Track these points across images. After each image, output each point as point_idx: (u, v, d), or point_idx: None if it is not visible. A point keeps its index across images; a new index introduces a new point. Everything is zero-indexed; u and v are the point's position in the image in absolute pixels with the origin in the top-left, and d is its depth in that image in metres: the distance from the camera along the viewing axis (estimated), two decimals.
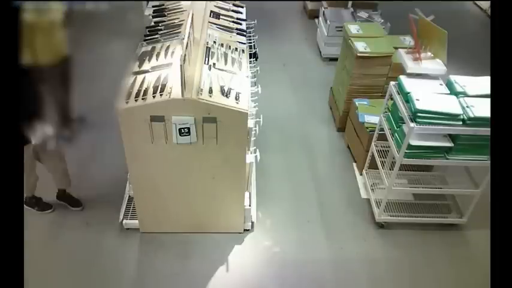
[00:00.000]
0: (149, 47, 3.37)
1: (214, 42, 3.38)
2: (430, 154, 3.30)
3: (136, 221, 3.50)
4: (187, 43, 2.85)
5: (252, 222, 3.63)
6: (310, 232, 3.72)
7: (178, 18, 3.70)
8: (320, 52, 6.20)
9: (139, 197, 3.34)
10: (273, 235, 3.65)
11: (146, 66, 3.16)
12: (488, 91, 3.10)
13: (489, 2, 7.25)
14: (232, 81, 3.07)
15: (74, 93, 3.26)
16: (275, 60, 5.98)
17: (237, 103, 2.89)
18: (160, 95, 2.80)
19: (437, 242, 3.69)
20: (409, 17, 3.54)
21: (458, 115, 3.09)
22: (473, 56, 5.74)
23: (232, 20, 3.84)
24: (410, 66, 3.49)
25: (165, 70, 3.06)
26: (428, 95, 3.22)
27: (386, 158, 3.76)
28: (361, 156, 4.21)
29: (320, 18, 6.28)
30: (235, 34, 3.64)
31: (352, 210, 3.92)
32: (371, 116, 4.10)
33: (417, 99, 3.13)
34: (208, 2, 3.92)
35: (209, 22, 3.63)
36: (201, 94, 2.83)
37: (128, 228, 3.56)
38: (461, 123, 3.11)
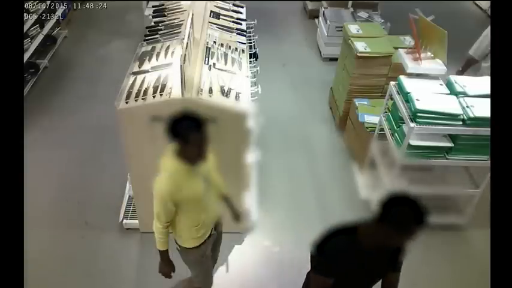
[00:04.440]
0: (149, 47, 3.37)
1: (214, 42, 3.38)
2: (430, 154, 3.30)
3: (137, 221, 3.51)
4: (187, 43, 2.84)
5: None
6: (309, 232, 3.68)
7: (178, 18, 3.70)
8: (320, 52, 6.20)
9: (139, 197, 3.34)
10: (273, 235, 3.65)
11: (146, 66, 3.16)
12: (488, 91, 3.10)
13: (489, 2, 7.24)
14: (232, 81, 3.06)
15: None
16: (275, 60, 5.98)
17: (237, 103, 2.89)
18: (160, 95, 2.80)
19: (437, 241, 3.68)
20: (409, 17, 3.54)
21: (458, 115, 3.09)
22: None
23: (232, 20, 3.84)
24: (410, 66, 3.49)
25: (165, 70, 3.05)
26: (428, 95, 3.22)
27: (386, 158, 3.76)
28: (361, 156, 4.21)
29: (320, 18, 6.28)
30: (235, 34, 3.64)
31: (352, 211, 3.91)
32: (371, 116, 4.09)
33: (417, 99, 3.13)
34: (208, 2, 3.92)
35: (209, 22, 3.63)
36: (201, 94, 2.82)
37: (128, 228, 3.56)
38: (461, 123, 3.11)
